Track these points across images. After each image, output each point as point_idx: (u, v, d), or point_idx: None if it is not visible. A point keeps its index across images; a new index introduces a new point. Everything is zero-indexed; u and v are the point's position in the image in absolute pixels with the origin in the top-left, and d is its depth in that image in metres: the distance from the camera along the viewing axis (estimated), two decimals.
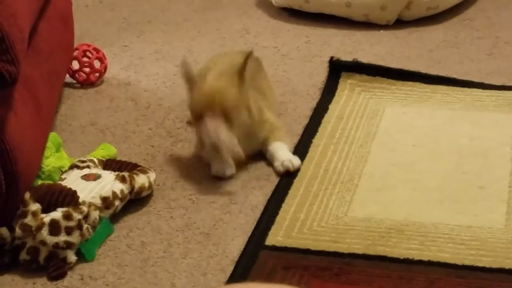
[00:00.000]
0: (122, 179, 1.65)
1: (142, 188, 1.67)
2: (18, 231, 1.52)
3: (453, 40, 2.36)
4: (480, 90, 2.07)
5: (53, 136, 1.78)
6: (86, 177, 1.65)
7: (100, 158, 1.76)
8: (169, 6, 2.66)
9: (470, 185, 1.72)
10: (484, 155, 1.82)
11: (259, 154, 1.84)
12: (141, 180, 1.67)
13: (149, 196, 1.71)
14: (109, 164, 1.73)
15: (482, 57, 2.25)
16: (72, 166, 1.70)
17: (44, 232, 1.51)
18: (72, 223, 1.52)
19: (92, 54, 2.16)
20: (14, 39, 1.45)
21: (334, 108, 2.01)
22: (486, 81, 2.11)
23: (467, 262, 1.50)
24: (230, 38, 2.43)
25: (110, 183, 1.64)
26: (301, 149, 1.85)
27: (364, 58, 2.19)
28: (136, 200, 1.69)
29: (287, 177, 1.76)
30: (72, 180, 1.63)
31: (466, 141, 1.87)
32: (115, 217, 1.65)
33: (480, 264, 1.50)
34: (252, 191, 1.74)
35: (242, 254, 1.54)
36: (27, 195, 1.54)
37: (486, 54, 2.27)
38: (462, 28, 2.43)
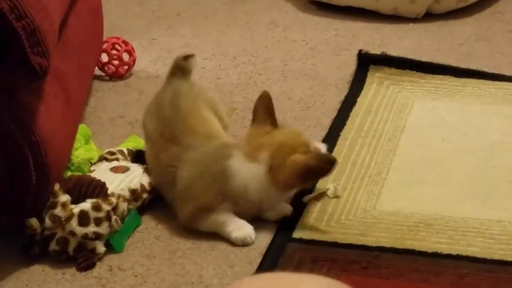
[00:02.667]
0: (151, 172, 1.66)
1: None
2: (48, 222, 1.53)
3: (483, 34, 2.34)
4: (511, 83, 2.05)
5: (82, 128, 1.79)
6: (115, 170, 1.66)
7: (129, 149, 1.76)
8: None
9: (501, 180, 1.70)
10: None
11: None
12: None
13: None
14: (137, 156, 1.74)
15: None
16: (101, 158, 1.71)
17: (74, 223, 1.52)
18: (101, 214, 1.53)
19: (121, 47, 2.17)
20: (45, 32, 1.47)
21: (363, 101, 2.01)
22: None
23: (497, 257, 1.49)
24: (258, 32, 2.43)
25: (138, 176, 1.65)
26: (329, 142, 1.84)
27: (393, 52, 2.18)
28: None
29: None
30: (101, 172, 1.64)
31: (496, 135, 1.85)
32: (144, 209, 1.66)
33: (509, 259, 1.49)
34: None
35: (270, 247, 1.54)
36: (57, 187, 1.55)
37: None
38: (493, 21, 2.41)
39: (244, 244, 1.55)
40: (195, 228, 1.59)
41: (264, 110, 1.61)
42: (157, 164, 1.65)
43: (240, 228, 1.56)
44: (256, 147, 1.56)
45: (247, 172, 1.55)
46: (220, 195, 1.56)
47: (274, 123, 1.61)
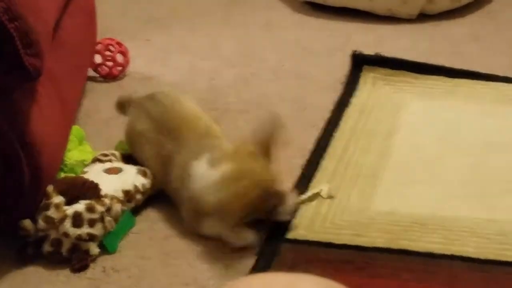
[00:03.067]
0: (144, 173, 1.66)
1: None
2: (41, 223, 1.53)
3: (477, 34, 2.34)
4: (505, 84, 2.06)
5: (76, 129, 1.79)
6: (108, 171, 1.66)
7: (122, 151, 1.76)
8: None
9: (495, 179, 1.71)
10: (509, 149, 1.80)
11: None
12: None
13: None
14: (131, 158, 1.74)
15: (507, 51, 2.24)
16: (94, 160, 1.71)
17: (67, 224, 1.52)
18: (94, 216, 1.53)
19: (115, 48, 2.17)
20: (39, 33, 1.46)
21: (357, 102, 2.01)
22: (510, 75, 2.09)
23: (491, 257, 1.49)
24: (253, 32, 2.43)
25: (132, 177, 1.65)
26: (323, 143, 1.85)
27: (387, 52, 2.18)
28: (158, 194, 1.69)
29: (309, 171, 1.75)
30: (95, 174, 1.64)
31: (490, 135, 1.86)
32: (138, 210, 1.66)
33: (503, 259, 1.49)
34: None
35: (264, 248, 1.54)
36: (50, 188, 1.55)
37: (511, 47, 2.25)
38: (486, 22, 2.41)
39: (245, 246, 1.52)
40: (200, 234, 1.56)
41: (267, 140, 1.52)
42: (160, 163, 1.65)
43: (240, 238, 1.53)
44: (226, 156, 1.52)
45: (203, 175, 1.52)
46: (190, 194, 1.53)
47: (266, 153, 1.51)
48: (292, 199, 1.56)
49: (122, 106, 1.83)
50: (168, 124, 1.66)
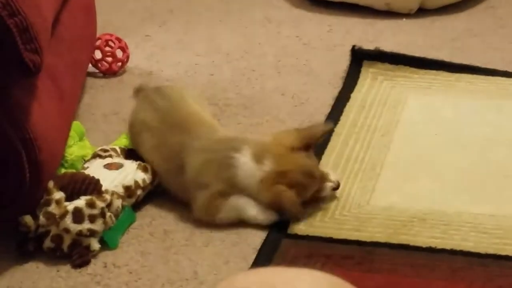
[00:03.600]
0: (144, 169, 1.66)
1: None
2: (42, 219, 1.53)
3: (476, 29, 2.34)
4: (504, 78, 2.06)
5: (76, 125, 1.79)
6: (108, 166, 1.66)
7: (123, 147, 1.76)
8: None
9: (494, 174, 1.71)
10: (508, 144, 1.80)
11: None
12: None
13: None
14: (131, 153, 1.74)
15: (506, 46, 2.23)
16: (94, 155, 1.71)
17: (68, 220, 1.52)
18: (95, 211, 1.53)
19: (115, 44, 2.17)
20: (38, 28, 1.46)
21: (356, 97, 2.01)
22: (510, 70, 2.09)
23: (491, 251, 1.49)
24: (252, 28, 2.43)
25: (132, 173, 1.65)
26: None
27: (387, 47, 2.18)
28: (158, 189, 1.70)
29: None
30: (95, 169, 1.64)
31: (490, 130, 1.86)
32: (138, 206, 1.66)
33: (503, 253, 1.49)
34: None
35: (264, 243, 1.55)
36: (51, 184, 1.55)
37: (510, 42, 2.25)
38: (486, 16, 2.41)
39: (269, 223, 1.58)
40: (211, 221, 1.59)
41: (310, 136, 1.62)
42: (160, 152, 1.66)
43: (263, 211, 1.58)
44: (267, 152, 1.58)
45: (249, 168, 1.57)
46: (229, 183, 1.58)
47: (306, 149, 1.60)
48: (332, 175, 1.64)
49: (137, 94, 1.84)
50: (175, 116, 1.68)
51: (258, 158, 1.58)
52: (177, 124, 1.67)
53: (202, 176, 1.60)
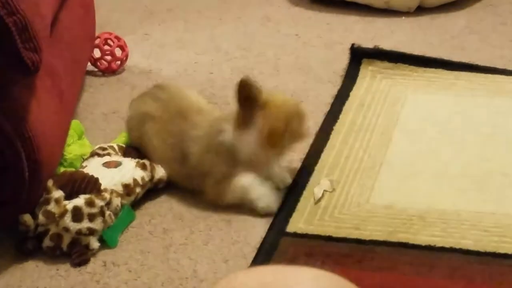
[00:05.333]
0: (143, 166, 1.66)
1: (160, 180, 1.68)
2: (41, 218, 1.53)
3: (475, 27, 2.34)
4: (503, 76, 2.06)
5: (75, 123, 1.79)
6: (107, 165, 1.66)
7: (121, 145, 1.76)
8: None
9: (494, 172, 1.71)
10: (507, 142, 1.80)
11: None
12: (160, 172, 1.68)
13: (170, 183, 1.72)
14: (129, 151, 1.74)
15: (506, 44, 2.23)
16: (93, 154, 1.71)
17: (67, 218, 1.52)
18: (94, 210, 1.53)
19: (114, 42, 2.17)
20: (37, 27, 1.46)
21: (356, 95, 2.01)
22: (510, 68, 2.09)
23: (490, 249, 1.49)
24: (251, 26, 2.43)
25: (131, 170, 1.65)
26: (322, 136, 1.85)
27: (386, 45, 2.18)
28: (157, 187, 1.70)
29: (309, 164, 1.75)
30: (94, 168, 1.64)
31: (489, 128, 1.86)
32: (137, 204, 1.66)
33: (502, 251, 1.49)
34: None
35: (264, 241, 1.55)
36: (50, 182, 1.55)
37: (509, 40, 2.25)
38: (485, 14, 2.41)
39: (267, 212, 1.60)
40: (223, 203, 1.62)
41: (245, 99, 1.63)
42: (164, 139, 1.69)
43: (265, 196, 1.61)
44: (246, 117, 1.62)
45: (240, 141, 1.61)
46: (230, 163, 1.62)
47: (257, 101, 1.62)
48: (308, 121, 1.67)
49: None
50: (175, 106, 1.72)
51: (240, 126, 1.61)
52: (178, 114, 1.71)
53: (204, 164, 1.64)
